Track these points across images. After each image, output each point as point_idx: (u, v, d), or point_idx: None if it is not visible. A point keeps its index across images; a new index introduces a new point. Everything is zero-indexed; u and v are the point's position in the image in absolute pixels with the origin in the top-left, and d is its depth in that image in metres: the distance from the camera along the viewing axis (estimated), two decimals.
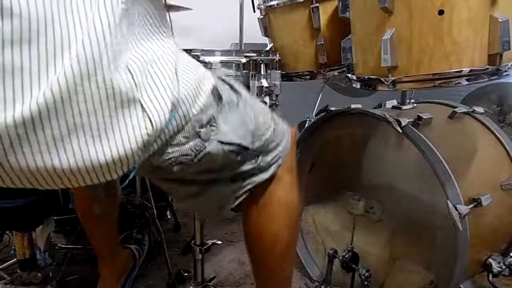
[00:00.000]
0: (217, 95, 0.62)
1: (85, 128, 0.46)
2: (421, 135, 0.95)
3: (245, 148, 0.67)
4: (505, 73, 0.84)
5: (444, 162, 0.91)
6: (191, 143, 0.58)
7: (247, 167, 0.70)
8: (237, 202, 0.73)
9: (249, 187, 0.73)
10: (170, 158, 0.57)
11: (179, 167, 0.59)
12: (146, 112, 0.49)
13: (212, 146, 0.61)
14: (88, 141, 0.46)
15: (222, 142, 0.62)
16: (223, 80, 0.69)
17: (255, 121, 0.69)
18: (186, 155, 0.58)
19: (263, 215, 0.77)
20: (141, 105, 0.49)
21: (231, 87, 0.69)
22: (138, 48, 0.51)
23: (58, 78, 0.43)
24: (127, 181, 0.55)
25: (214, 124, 0.61)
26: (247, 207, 0.77)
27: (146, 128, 0.49)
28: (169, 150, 0.56)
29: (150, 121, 0.50)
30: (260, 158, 0.71)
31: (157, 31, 0.56)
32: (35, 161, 0.45)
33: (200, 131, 0.59)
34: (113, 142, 0.48)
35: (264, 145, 0.71)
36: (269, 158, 0.73)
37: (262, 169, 0.73)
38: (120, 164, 0.50)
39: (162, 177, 0.66)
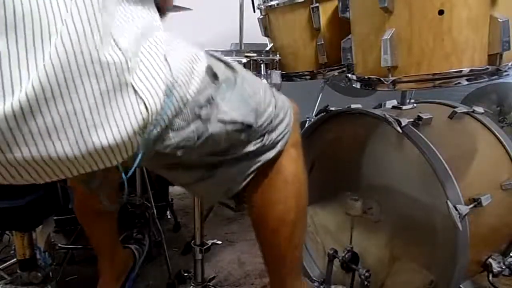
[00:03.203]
0: (212, 74, 0.61)
1: (77, 115, 0.45)
2: (421, 135, 0.95)
3: (249, 126, 0.65)
4: (505, 73, 0.84)
5: (444, 162, 0.91)
6: (192, 126, 0.57)
7: (253, 147, 0.69)
8: (245, 183, 0.72)
9: (257, 166, 0.72)
10: (172, 143, 0.56)
11: (182, 151, 0.58)
12: (138, 94, 0.48)
13: (214, 127, 0.60)
14: (82, 127, 0.46)
15: (224, 122, 0.61)
16: (217, 58, 0.67)
17: (255, 97, 0.68)
18: (189, 138, 0.57)
19: (269, 190, 0.76)
20: (133, 88, 0.48)
21: (226, 64, 0.68)
22: (127, 28, 0.50)
23: (45, 66, 0.42)
24: (131, 171, 0.54)
25: (213, 104, 0.59)
26: (253, 184, 0.75)
27: (140, 112, 0.49)
28: (171, 135, 0.55)
29: (144, 104, 0.49)
30: (266, 136, 0.70)
31: (144, 10, 0.55)
32: (30, 151, 0.44)
33: (200, 113, 0.57)
34: (107, 127, 0.47)
35: (267, 121, 0.70)
36: (274, 135, 0.72)
37: (268, 148, 0.72)
38: (117, 149, 0.49)
39: (166, 164, 0.65)
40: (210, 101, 0.59)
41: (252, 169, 0.72)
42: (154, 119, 0.51)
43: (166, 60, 0.53)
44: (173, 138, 0.56)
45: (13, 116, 0.42)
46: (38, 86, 0.42)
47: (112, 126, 0.47)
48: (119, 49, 0.47)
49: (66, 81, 0.43)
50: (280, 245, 0.79)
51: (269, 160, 0.73)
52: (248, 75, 0.72)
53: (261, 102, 0.69)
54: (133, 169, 0.54)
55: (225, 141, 0.63)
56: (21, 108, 0.42)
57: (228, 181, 0.72)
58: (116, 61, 0.46)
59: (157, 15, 0.58)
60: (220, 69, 0.64)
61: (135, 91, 0.48)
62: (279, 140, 0.73)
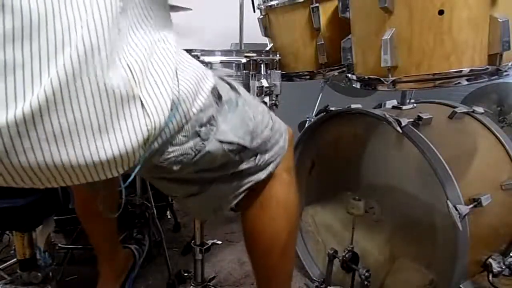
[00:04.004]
0: (216, 95, 0.63)
1: (85, 124, 0.46)
2: (421, 135, 0.95)
3: (244, 148, 0.67)
4: (505, 73, 0.83)
5: (444, 162, 0.91)
6: (191, 143, 0.58)
7: (246, 165, 0.70)
8: (235, 201, 0.73)
9: (248, 185, 0.73)
10: (170, 157, 0.57)
11: (179, 166, 0.59)
12: (145, 109, 0.49)
13: (211, 146, 0.61)
14: (89, 137, 0.46)
15: (221, 142, 0.62)
16: (222, 80, 0.69)
17: (254, 120, 0.69)
18: (186, 154, 0.58)
19: (262, 214, 0.78)
20: (141, 102, 0.49)
21: (231, 86, 0.70)
22: (137, 44, 0.51)
23: (58, 73, 0.43)
24: (128, 181, 0.55)
25: (214, 124, 0.61)
26: (246, 206, 0.77)
27: (146, 125, 0.50)
28: (170, 149, 0.56)
29: (150, 118, 0.50)
30: (258, 156, 0.72)
31: (156, 27, 0.56)
32: (36, 157, 0.45)
33: (200, 131, 0.59)
34: (113, 139, 0.48)
35: (262, 143, 0.71)
36: (267, 156, 0.73)
37: (261, 168, 0.73)
38: (121, 161, 0.50)
39: (161, 177, 0.66)
40: (211, 120, 0.60)
41: (243, 188, 0.73)
42: (157, 133, 0.51)
43: (176, 75, 0.54)
44: (172, 152, 0.57)
45: (24, 121, 0.42)
46: (50, 91, 0.43)
47: (118, 137, 0.48)
48: (128, 65, 0.48)
49: (77, 90, 0.44)
50: (272, 261, 0.81)
51: (260, 181, 0.74)
52: (250, 98, 0.74)
53: (259, 125, 0.71)
54: (130, 179, 0.54)
55: (220, 159, 0.65)
56: (32, 113, 0.42)
57: (219, 199, 0.73)
58: (123, 75, 0.47)
59: (171, 33, 0.59)
60: (224, 90, 0.66)
61: (142, 104, 0.49)
62: (272, 162, 0.75)
